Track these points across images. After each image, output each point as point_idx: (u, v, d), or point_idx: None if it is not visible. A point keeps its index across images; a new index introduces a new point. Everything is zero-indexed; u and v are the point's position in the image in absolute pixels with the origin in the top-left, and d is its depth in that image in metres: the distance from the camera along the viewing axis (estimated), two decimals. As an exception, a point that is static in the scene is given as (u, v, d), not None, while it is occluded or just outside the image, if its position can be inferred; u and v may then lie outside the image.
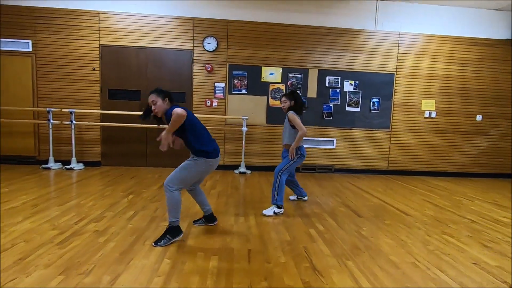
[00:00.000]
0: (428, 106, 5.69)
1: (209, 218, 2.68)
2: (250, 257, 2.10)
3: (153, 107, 2.26)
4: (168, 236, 2.27)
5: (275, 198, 3.07)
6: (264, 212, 3.05)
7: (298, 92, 4.93)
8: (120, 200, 3.32)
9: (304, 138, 3.10)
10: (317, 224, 2.83)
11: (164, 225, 2.61)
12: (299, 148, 3.13)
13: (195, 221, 2.71)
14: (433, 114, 5.70)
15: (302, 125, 3.04)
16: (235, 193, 3.86)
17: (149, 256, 2.05)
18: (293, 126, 3.12)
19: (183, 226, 2.59)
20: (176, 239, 2.30)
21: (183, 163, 2.34)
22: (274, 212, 3.04)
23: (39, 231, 2.39)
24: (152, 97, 2.26)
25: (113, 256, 2.02)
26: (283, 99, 3.19)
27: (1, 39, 4.98)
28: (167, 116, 2.18)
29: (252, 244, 2.31)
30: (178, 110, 2.10)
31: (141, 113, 2.40)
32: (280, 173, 3.09)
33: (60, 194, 3.45)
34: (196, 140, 2.30)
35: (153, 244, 2.23)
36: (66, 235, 2.33)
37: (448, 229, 2.83)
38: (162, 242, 2.23)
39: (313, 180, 4.95)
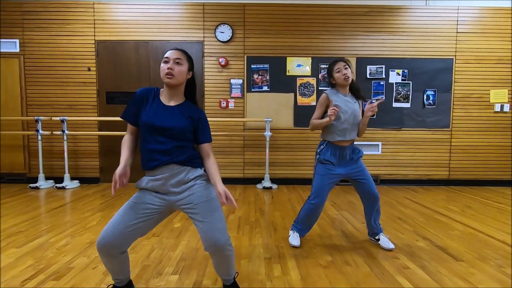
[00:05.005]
0: (499, 97, 4.49)
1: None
2: None
3: (174, 70, 1.38)
4: None
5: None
6: (388, 246, 2.17)
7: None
8: (106, 235, 2.41)
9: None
10: (398, 276, 1.78)
11: (160, 284, 1.66)
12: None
13: None
14: (506, 107, 4.49)
15: None
16: (261, 220, 2.87)
17: None
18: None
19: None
20: None
21: (206, 194, 1.40)
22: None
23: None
24: (178, 54, 1.41)
25: None
26: (345, 65, 2.08)
27: (-15, 39, 4.33)
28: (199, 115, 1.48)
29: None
30: None
31: None
32: None
33: (30, 227, 2.60)
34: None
35: None
36: (-3, 310, 1.43)
37: None
38: None
39: (356, 195, 3.87)
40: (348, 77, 2.08)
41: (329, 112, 1.97)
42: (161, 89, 1.47)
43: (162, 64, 1.40)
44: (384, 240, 2.20)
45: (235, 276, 1.54)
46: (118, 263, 1.37)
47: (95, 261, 1.95)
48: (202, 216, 1.34)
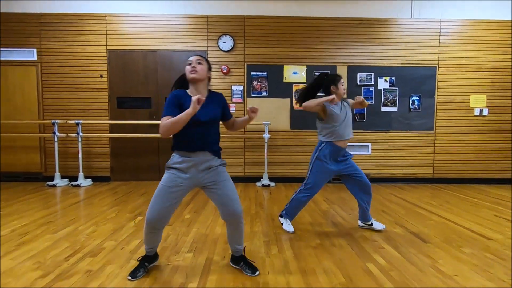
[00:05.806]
0: (478, 102, 4.89)
1: (154, 257, 1.95)
2: (296, 314, 1.47)
3: (197, 68, 1.71)
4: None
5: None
6: (382, 227, 2.64)
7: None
8: (126, 224, 2.77)
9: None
10: (374, 255, 2.16)
11: (178, 260, 2.03)
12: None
13: (134, 272, 1.80)
14: (485, 112, 4.89)
15: None
16: (261, 212, 3.24)
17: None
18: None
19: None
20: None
21: (226, 176, 1.83)
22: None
23: (17, 272, 1.86)
24: (198, 57, 1.76)
25: (104, 315, 1.45)
26: (342, 81, 2.50)
27: (5, 49, 4.68)
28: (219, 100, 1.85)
29: (294, 290, 1.68)
30: None
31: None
32: None
33: (57, 218, 2.95)
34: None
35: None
36: (50, 278, 1.79)
37: (555, 260, 2.08)
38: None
39: (347, 192, 4.25)
40: (340, 93, 2.49)
41: (330, 98, 2.30)
42: (187, 90, 1.79)
43: (186, 67, 1.75)
44: (377, 224, 2.64)
45: (244, 248, 1.91)
46: (157, 236, 1.79)
47: (122, 243, 2.31)
48: (223, 191, 1.73)
